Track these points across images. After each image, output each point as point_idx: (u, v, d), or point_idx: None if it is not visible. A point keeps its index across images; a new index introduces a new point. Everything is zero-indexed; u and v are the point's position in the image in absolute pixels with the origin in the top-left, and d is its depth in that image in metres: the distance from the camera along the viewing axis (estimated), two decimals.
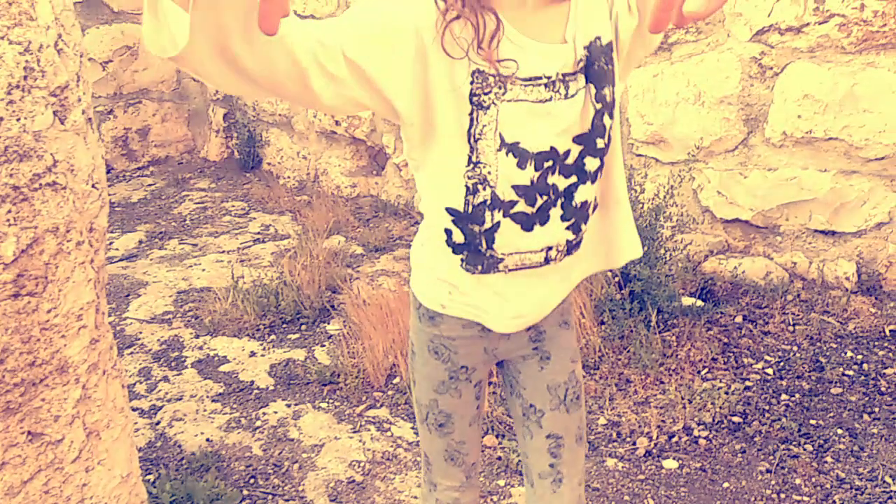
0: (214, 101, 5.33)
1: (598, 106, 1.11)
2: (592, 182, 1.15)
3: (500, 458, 2.20)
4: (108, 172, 5.12)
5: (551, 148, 1.10)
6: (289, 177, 4.92)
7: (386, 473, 2.16)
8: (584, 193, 1.14)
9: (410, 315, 1.31)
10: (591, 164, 1.13)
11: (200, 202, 4.61)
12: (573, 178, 1.13)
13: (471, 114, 1.07)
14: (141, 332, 3.02)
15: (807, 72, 3.07)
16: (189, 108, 5.46)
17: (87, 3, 4.89)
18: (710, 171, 3.36)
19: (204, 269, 3.61)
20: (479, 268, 1.15)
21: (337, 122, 4.57)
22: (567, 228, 1.15)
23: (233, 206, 4.55)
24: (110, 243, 3.99)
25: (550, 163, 1.11)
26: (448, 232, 1.15)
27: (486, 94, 1.06)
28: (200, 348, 2.89)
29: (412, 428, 2.38)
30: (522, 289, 1.18)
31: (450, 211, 1.14)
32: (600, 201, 1.20)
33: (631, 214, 1.23)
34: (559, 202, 1.13)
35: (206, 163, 5.31)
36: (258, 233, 4.10)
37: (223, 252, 3.83)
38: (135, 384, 2.64)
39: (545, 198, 1.12)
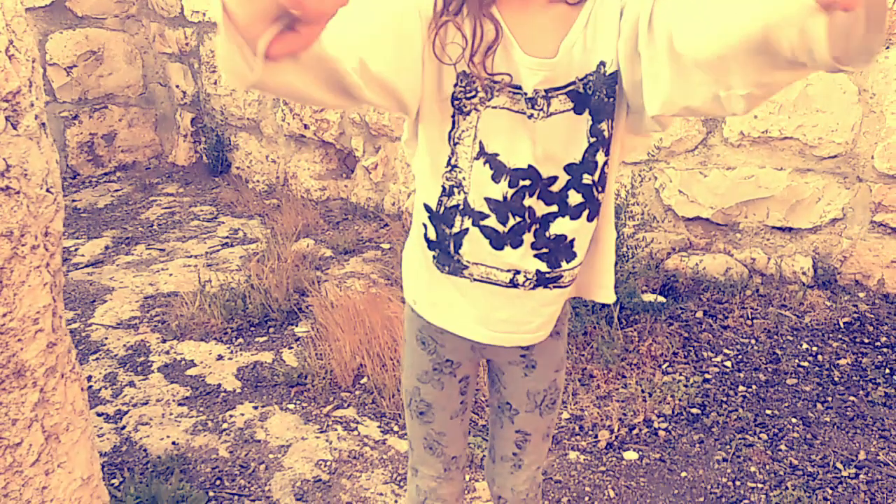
0: (182, 105, 5.30)
1: (593, 140, 1.07)
2: (573, 218, 1.10)
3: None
4: (73, 178, 5.07)
5: (529, 167, 1.07)
6: (258, 181, 4.91)
7: (352, 472, 2.18)
8: (561, 226, 1.11)
9: (405, 304, 1.32)
10: (573, 197, 1.09)
11: (168, 207, 4.59)
12: (553, 208, 1.10)
13: (452, 116, 1.07)
14: (107, 338, 3.00)
15: None
16: (156, 113, 5.42)
17: (50, 8, 4.83)
18: (671, 170, 3.44)
19: (171, 274, 3.59)
20: (447, 268, 1.16)
21: (306, 126, 4.58)
22: (537, 257, 1.12)
23: (201, 210, 4.53)
24: (76, 249, 3.95)
25: (528, 182, 1.08)
26: (425, 227, 1.16)
27: (468, 98, 1.05)
28: (167, 353, 2.89)
29: (378, 427, 2.41)
30: (488, 301, 1.16)
31: (426, 207, 1.15)
32: (593, 238, 1.16)
33: (613, 260, 1.20)
34: (533, 228, 1.11)
35: (175, 167, 5.28)
36: (227, 237, 4.09)
37: (191, 257, 3.82)
38: (100, 390, 2.63)
39: (518, 219, 1.10)
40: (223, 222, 4.32)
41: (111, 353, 2.89)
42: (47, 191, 1.44)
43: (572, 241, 1.12)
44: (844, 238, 3.14)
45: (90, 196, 4.79)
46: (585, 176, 1.08)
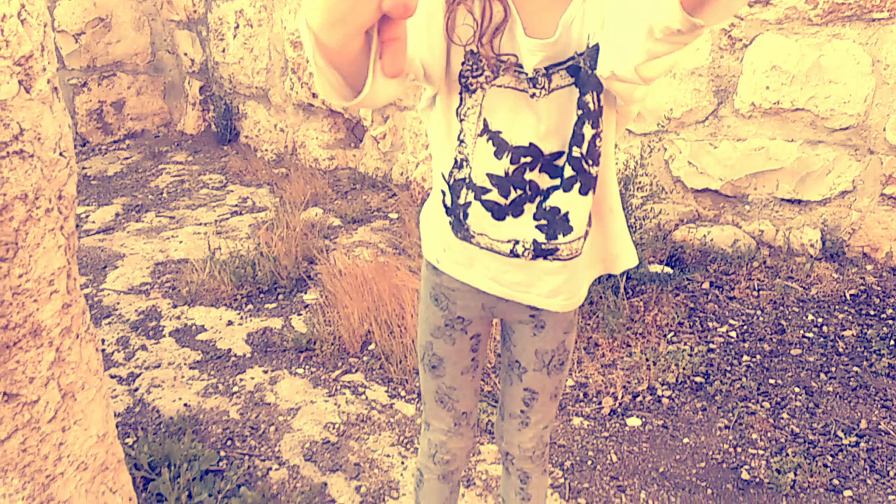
0: (190, 73, 5.29)
1: (579, 112, 1.09)
2: (566, 190, 1.13)
3: None
4: (83, 146, 5.09)
5: (531, 144, 1.11)
6: (266, 150, 4.92)
7: (360, 434, 2.23)
8: (557, 199, 1.14)
9: (423, 262, 1.37)
10: (567, 170, 1.12)
11: (177, 175, 4.61)
12: (556, 181, 1.13)
13: (460, 93, 1.11)
14: (118, 303, 3.05)
15: (775, 43, 3.12)
16: (165, 81, 5.42)
17: None
18: (681, 141, 3.42)
19: (181, 242, 3.63)
20: (459, 234, 1.21)
21: (314, 95, 4.57)
22: (537, 228, 1.15)
23: (210, 178, 4.55)
24: (87, 216, 3.99)
25: (529, 159, 1.12)
26: (443, 193, 1.21)
27: (475, 76, 1.09)
28: (178, 318, 2.93)
29: (386, 391, 2.45)
30: (497, 266, 1.21)
31: (443, 176, 1.20)
32: (594, 212, 1.19)
33: (625, 223, 1.24)
34: (537, 200, 1.15)
35: (183, 136, 5.29)
36: (235, 205, 4.12)
37: (200, 224, 3.85)
38: (113, 353, 2.68)
39: (520, 192, 1.14)
40: (232, 191, 4.34)
41: (123, 318, 2.93)
42: (60, 154, 1.46)
43: (566, 213, 1.14)
44: (854, 210, 3.12)
45: (100, 164, 4.82)
46: (575, 148, 1.11)
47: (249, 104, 5.01)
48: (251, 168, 4.59)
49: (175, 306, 3.02)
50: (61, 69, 4.94)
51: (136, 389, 2.46)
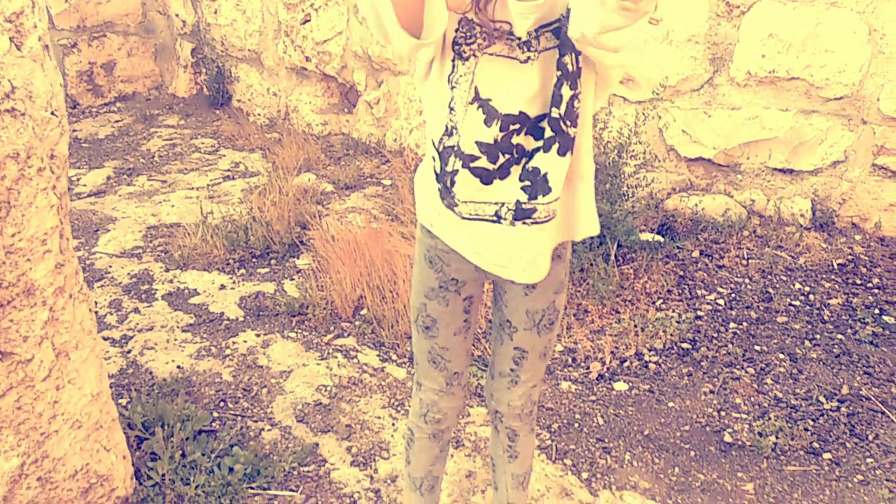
0: (182, 35, 5.22)
1: (558, 73, 1.12)
2: (546, 150, 1.16)
3: None
4: (73, 108, 5.03)
5: (520, 113, 1.14)
6: (259, 114, 4.88)
7: (351, 396, 2.26)
8: (538, 159, 1.17)
9: (417, 225, 1.38)
10: (546, 131, 1.16)
11: (169, 139, 4.58)
12: (539, 143, 1.16)
13: (452, 60, 1.14)
14: (111, 266, 3.05)
15: (772, 11, 3.10)
16: (156, 43, 5.34)
17: None
18: (675, 109, 3.41)
19: (173, 206, 3.62)
20: (445, 202, 1.23)
21: (307, 58, 4.52)
22: (522, 189, 1.18)
23: (202, 143, 4.52)
24: (78, 179, 3.97)
25: (517, 126, 1.15)
26: (433, 159, 1.23)
27: (468, 44, 1.11)
28: (170, 282, 2.94)
29: (378, 355, 2.48)
30: (478, 236, 1.23)
31: (433, 142, 1.22)
32: (567, 176, 1.21)
33: (593, 192, 1.26)
34: (522, 161, 1.18)
35: (175, 99, 5.24)
36: (228, 170, 4.10)
37: (192, 189, 3.84)
38: (105, 315, 2.70)
39: (507, 156, 1.17)
40: (224, 155, 4.32)
41: (116, 281, 2.94)
42: (52, 113, 1.46)
43: (546, 174, 1.17)
44: (844, 181, 3.14)
45: (90, 126, 4.78)
46: (553, 109, 1.14)
47: (242, 67, 4.96)
48: (243, 132, 4.56)
49: (167, 270, 3.03)
50: (51, 29, 4.86)
51: (129, 352, 2.48)
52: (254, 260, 3.11)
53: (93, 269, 3.04)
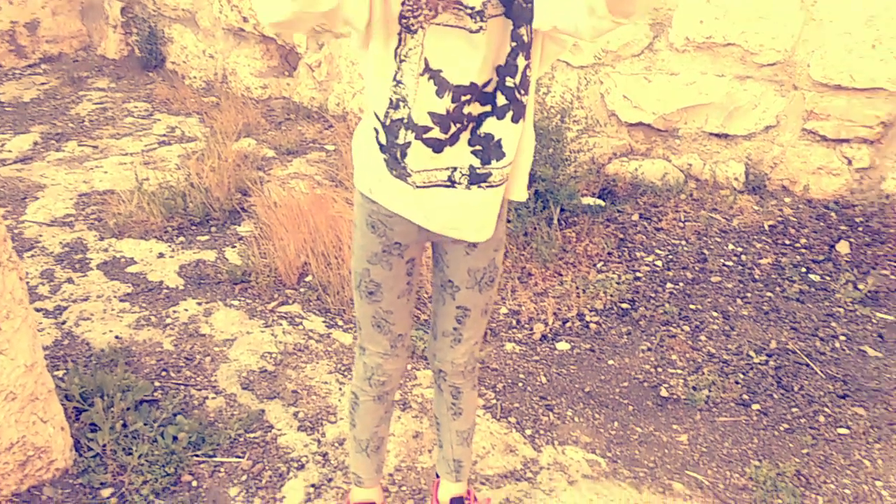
0: None
1: (513, 44, 1.14)
2: (499, 118, 1.19)
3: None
4: None
5: (471, 83, 1.15)
6: (195, 77, 4.71)
7: (298, 363, 2.25)
8: (491, 125, 1.19)
9: (355, 191, 1.37)
10: (500, 98, 1.18)
11: (100, 102, 4.39)
12: (487, 108, 1.19)
13: (399, 34, 1.12)
14: (41, 236, 2.93)
15: None
16: (82, 1, 5.08)
17: None
18: (616, 75, 3.45)
19: (106, 172, 3.49)
20: (395, 172, 1.23)
21: (245, 19, 4.37)
22: (473, 154, 1.21)
23: (135, 107, 4.35)
24: (2, 145, 3.77)
25: (469, 97, 1.16)
26: (376, 131, 1.22)
27: (415, 16, 1.10)
28: (105, 250, 2.85)
29: (323, 322, 2.47)
30: (431, 204, 1.24)
31: (376, 115, 1.21)
32: None
33: (530, 162, 1.30)
34: (470, 126, 1.20)
35: (105, 60, 5.01)
36: (163, 135, 3.96)
37: (126, 154, 3.70)
38: (37, 286, 2.60)
39: (458, 125, 1.19)
40: (159, 119, 4.17)
41: (47, 251, 2.83)
42: None
43: (499, 140, 1.21)
44: (776, 145, 3.25)
45: (14, 89, 4.53)
46: (508, 79, 1.17)
47: (175, 28, 4.77)
48: (179, 96, 4.41)
49: (102, 238, 2.93)
50: None
51: (64, 322, 2.41)
52: (193, 227, 3.03)
53: (22, 238, 2.91)
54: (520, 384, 2.17)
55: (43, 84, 4.63)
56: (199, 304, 2.54)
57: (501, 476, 1.83)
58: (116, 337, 2.33)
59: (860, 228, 2.90)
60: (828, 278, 2.65)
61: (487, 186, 1.23)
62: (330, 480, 1.82)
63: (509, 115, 1.19)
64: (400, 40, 1.13)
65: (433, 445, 1.93)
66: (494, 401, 2.10)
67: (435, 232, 1.29)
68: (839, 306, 2.50)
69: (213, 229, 3.03)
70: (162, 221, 3.01)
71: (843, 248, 2.82)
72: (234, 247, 2.91)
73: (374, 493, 1.62)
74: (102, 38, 5.08)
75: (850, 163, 3.08)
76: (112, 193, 3.24)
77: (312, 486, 1.80)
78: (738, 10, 3.12)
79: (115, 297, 2.56)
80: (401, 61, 1.14)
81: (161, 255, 2.83)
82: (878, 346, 2.32)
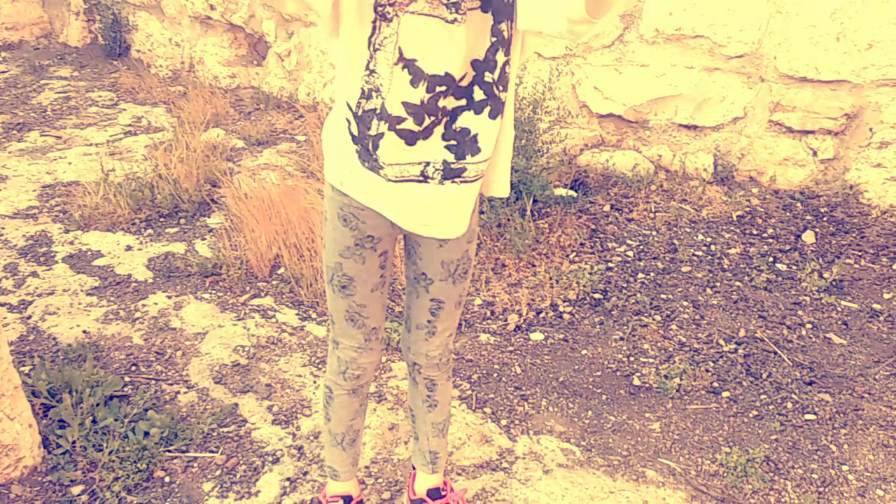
0: None
1: (493, 39, 1.14)
2: (477, 112, 1.18)
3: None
4: None
5: (446, 74, 1.14)
6: (161, 65, 4.62)
7: (271, 356, 2.23)
8: (467, 120, 1.18)
9: (325, 183, 1.35)
10: (477, 93, 1.17)
11: (62, 91, 4.27)
12: (462, 101, 1.18)
13: (374, 22, 1.10)
14: (3, 228, 2.86)
15: None
16: None
17: None
18: (588, 66, 3.47)
19: (70, 163, 3.40)
20: (367, 164, 1.22)
21: (212, 7, 4.29)
22: (446, 148, 1.19)
23: (99, 96, 4.25)
24: None
25: (444, 88, 1.15)
26: (348, 122, 1.21)
27: (390, 4, 1.09)
28: (71, 243, 2.78)
29: (297, 314, 2.45)
30: (403, 198, 1.23)
31: (348, 105, 1.19)
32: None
33: (510, 158, 1.30)
34: (444, 120, 1.18)
35: (67, 48, 4.88)
36: (129, 125, 3.88)
37: (91, 145, 3.61)
38: (0, 280, 2.53)
39: (433, 118, 1.17)
40: (124, 109, 4.08)
41: (10, 244, 2.76)
42: None
43: (476, 135, 1.20)
44: (743, 136, 3.31)
45: None
46: (487, 74, 1.16)
47: (140, 15, 4.66)
48: (145, 85, 4.32)
49: (67, 231, 2.86)
50: None
51: (30, 317, 2.35)
52: (161, 219, 2.98)
53: None
54: (494, 375, 2.18)
55: (3, 72, 4.50)
56: (169, 297, 2.50)
57: (477, 466, 1.84)
58: (84, 331, 2.29)
59: (825, 219, 2.97)
60: (794, 268, 2.71)
61: (462, 182, 1.23)
62: (305, 474, 1.81)
63: (487, 110, 1.19)
64: (374, 28, 1.11)
65: (409, 437, 1.94)
66: (469, 392, 2.11)
67: (406, 228, 1.29)
68: (805, 295, 2.56)
69: (183, 221, 2.98)
70: (129, 213, 2.95)
71: (808, 237, 2.88)
72: (205, 239, 2.86)
73: (351, 486, 1.61)
74: (64, 26, 4.95)
75: (815, 154, 3.15)
76: (77, 185, 3.17)
77: (288, 479, 1.78)
78: (706, 3, 3.15)
79: (81, 290, 2.51)
80: (375, 50, 1.12)
81: (129, 248, 2.78)
82: (842, 333, 2.38)
